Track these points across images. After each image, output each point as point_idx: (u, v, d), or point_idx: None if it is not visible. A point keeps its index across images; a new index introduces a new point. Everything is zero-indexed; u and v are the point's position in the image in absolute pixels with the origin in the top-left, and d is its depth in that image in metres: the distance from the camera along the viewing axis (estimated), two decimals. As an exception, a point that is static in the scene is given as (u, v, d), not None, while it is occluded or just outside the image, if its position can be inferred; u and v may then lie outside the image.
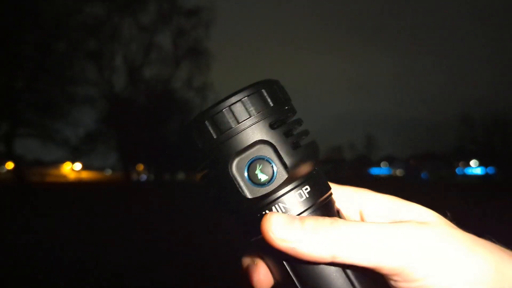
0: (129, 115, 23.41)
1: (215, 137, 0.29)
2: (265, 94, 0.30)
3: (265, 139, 0.29)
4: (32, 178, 33.88)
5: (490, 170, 44.98)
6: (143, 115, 24.32)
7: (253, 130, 0.29)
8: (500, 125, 41.53)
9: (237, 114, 0.29)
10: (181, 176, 55.11)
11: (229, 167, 0.29)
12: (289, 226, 0.28)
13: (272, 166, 0.29)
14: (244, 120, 0.29)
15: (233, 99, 0.29)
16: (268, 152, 0.29)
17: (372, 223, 0.29)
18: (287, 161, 0.29)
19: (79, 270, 4.66)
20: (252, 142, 0.29)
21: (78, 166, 52.68)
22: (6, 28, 15.02)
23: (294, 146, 0.30)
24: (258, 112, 0.29)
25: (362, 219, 0.37)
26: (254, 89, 0.30)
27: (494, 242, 0.33)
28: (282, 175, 0.30)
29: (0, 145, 17.85)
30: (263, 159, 0.29)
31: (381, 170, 77.06)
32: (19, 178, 19.44)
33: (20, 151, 21.95)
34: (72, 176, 54.77)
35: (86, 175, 56.84)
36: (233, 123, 0.29)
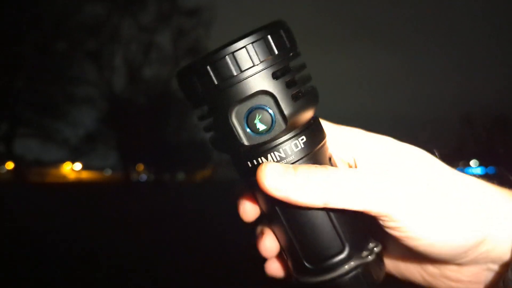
0: (129, 115, 23.41)
1: (216, 83, 0.29)
2: (270, 40, 0.29)
3: (266, 89, 0.29)
4: (32, 178, 33.86)
5: (490, 170, 44.99)
6: (143, 115, 24.31)
7: (255, 79, 0.29)
8: (500, 125, 41.52)
9: (240, 62, 0.28)
10: (181, 176, 55.06)
11: (229, 114, 0.29)
12: (283, 175, 0.29)
13: (271, 116, 0.30)
14: (247, 69, 0.28)
15: (238, 45, 0.28)
16: (268, 102, 0.30)
17: (361, 171, 0.32)
18: (286, 112, 0.30)
19: (79, 270, 4.66)
20: (253, 92, 0.29)
21: (78, 166, 52.61)
22: (6, 28, 15.01)
23: (295, 97, 0.30)
24: (262, 61, 0.29)
25: (355, 163, 0.38)
26: (260, 35, 0.29)
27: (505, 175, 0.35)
28: (280, 126, 0.30)
29: (0, 145, 17.84)
30: (263, 108, 0.30)
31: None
32: (19, 178, 19.44)
33: (20, 151, 21.93)
34: (72, 176, 54.70)
35: (86, 175, 56.78)
36: (235, 71, 0.28)
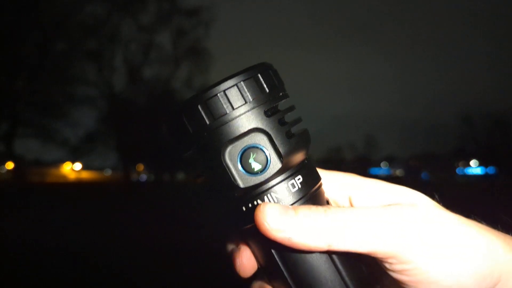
0: (129, 115, 23.41)
1: (208, 122, 0.28)
2: (261, 79, 0.29)
3: (260, 127, 0.28)
4: (32, 178, 33.89)
5: (490, 170, 44.98)
6: (143, 115, 24.31)
7: (247, 117, 0.28)
8: (500, 125, 41.53)
9: (232, 100, 0.27)
10: (181, 176, 55.10)
11: (221, 154, 0.28)
12: (284, 216, 0.28)
13: (266, 155, 0.29)
14: (239, 107, 0.28)
15: (228, 83, 0.28)
16: (262, 140, 0.28)
17: (364, 208, 0.29)
18: (282, 150, 0.29)
19: (79, 270, 4.66)
20: (246, 130, 0.28)
21: (78, 166, 52.66)
22: (6, 28, 15.01)
23: (289, 135, 0.30)
24: (253, 99, 0.28)
25: (352, 206, 0.37)
26: (250, 74, 0.29)
27: (481, 223, 0.34)
28: (276, 165, 0.29)
29: (0, 145, 17.85)
30: (257, 147, 0.28)
31: (381, 170, 77.05)
32: (19, 178, 19.44)
33: (20, 151, 21.92)
34: (72, 176, 54.74)
35: (86, 175, 56.83)
36: (227, 109, 0.27)
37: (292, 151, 0.29)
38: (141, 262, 5.00)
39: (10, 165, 22.27)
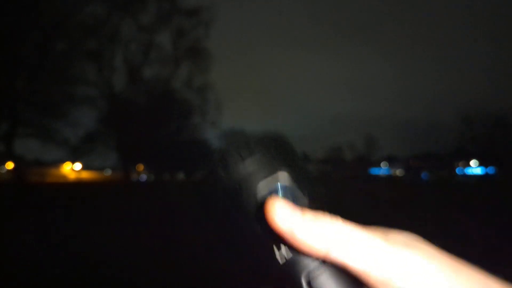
0: (129, 115, 23.40)
1: (242, 163, 0.33)
2: (290, 147, 0.34)
3: (287, 170, 0.33)
4: (32, 178, 33.88)
5: (490, 170, 44.99)
6: (143, 115, 24.31)
7: (279, 162, 0.33)
8: (500, 125, 41.54)
9: (266, 146, 0.33)
10: (181, 176, 55.13)
11: (253, 190, 0.32)
12: (292, 210, 0.30)
13: (293, 193, 0.33)
14: (272, 154, 0.33)
15: (264, 135, 0.34)
16: (290, 182, 0.33)
17: (370, 230, 0.30)
18: (306, 190, 0.33)
19: (79, 270, 4.66)
20: (276, 171, 0.32)
21: (78, 166, 52.66)
22: (6, 28, 15.02)
23: (312, 182, 0.34)
24: (285, 152, 0.34)
25: None
26: (284, 138, 0.34)
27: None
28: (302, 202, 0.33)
29: (0, 145, 17.85)
30: (285, 186, 0.33)
31: (381, 170, 77.06)
32: (19, 178, 19.44)
33: (20, 151, 21.92)
34: (72, 176, 54.75)
35: (86, 175, 56.83)
36: (261, 153, 0.33)
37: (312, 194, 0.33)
38: (141, 262, 5.00)
39: (10, 165, 22.26)
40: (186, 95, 28.36)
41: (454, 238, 6.98)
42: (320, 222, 0.29)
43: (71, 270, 4.65)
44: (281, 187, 0.32)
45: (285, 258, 0.30)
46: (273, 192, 0.32)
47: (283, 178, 0.33)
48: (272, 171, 0.33)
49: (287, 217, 0.29)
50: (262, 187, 0.32)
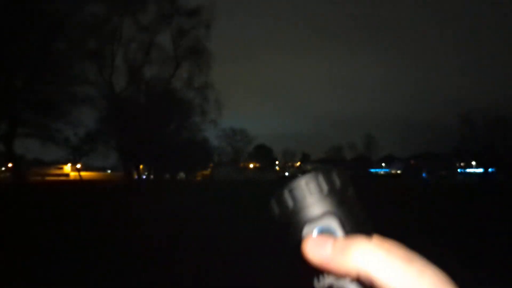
0: (129, 115, 23.38)
1: (291, 206, 0.35)
2: (335, 176, 0.36)
3: (332, 212, 0.35)
4: (32, 178, 33.89)
5: (490, 170, 44.97)
6: (143, 115, 24.30)
7: (323, 204, 0.35)
8: (500, 125, 41.52)
9: (311, 190, 0.35)
10: (181, 175, 55.13)
11: (299, 232, 0.35)
12: (323, 244, 0.32)
13: (336, 236, 0.34)
14: (316, 195, 0.35)
15: (310, 176, 0.35)
16: (334, 223, 0.35)
17: (392, 251, 0.31)
18: (350, 233, 0.35)
19: (79, 269, 4.66)
20: (321, 214, 0.35)
21: (78, 166, 52.66)
22: (6, 28, 15.01)
23: (357, 222, 0.36)
24: (329, 190, 0.35)
25: None
26: (327, 171, 0.36)
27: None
28: None
29: (0, 145, 17.84)
30: (329, 228, 0.35)
31: (381, 170, 77.06)
32: (19, 178, 19.44)
33: (20, 151, 21.87)
34: (72, 176, 54.74)
35: (86, 175, 56.84)
36: (307, 196, 0.35)
37: (357, 233, 0.35)
38: (141, 262, 5.00)
39: (10, 165, 22.26)
40: (186, 95, 28.38)
41: (454, 238, 6.98)
42: (350, 248, 0.31)
43: (71, 270, 4.65)
44: (323, 228, 0.35)
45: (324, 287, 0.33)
46: (316, 231, 0.35)
47: (327, 220, 0.35)
48: (320, 212, 0.35)
49: (319, 250, 0.32)
50: (307, 229, 0.35)
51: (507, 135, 41.33)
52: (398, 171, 72.11)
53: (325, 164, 74.96)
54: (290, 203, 0.35)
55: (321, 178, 0.35)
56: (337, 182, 0.36)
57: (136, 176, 30.18)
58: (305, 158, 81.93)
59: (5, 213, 10.96)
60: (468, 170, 54.79)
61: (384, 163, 77.82)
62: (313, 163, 78.87)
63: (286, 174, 72.82)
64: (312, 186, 0.35)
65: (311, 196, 0.35)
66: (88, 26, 20.53)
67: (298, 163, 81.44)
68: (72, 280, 4.26)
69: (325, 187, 0.35)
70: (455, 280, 0.32)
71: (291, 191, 0.35)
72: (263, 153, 72.64)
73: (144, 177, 41.17)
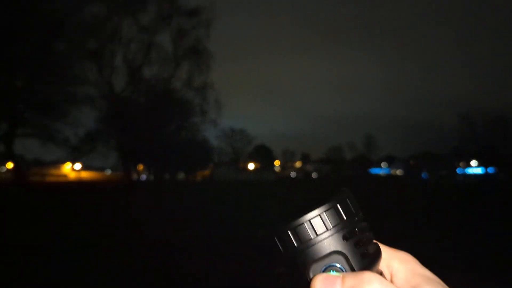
0: (129, 115, 23.39)
1: (296, 245, 0.34)
2: (340, 208, 0.35)
3: (338, 250, 0.34)
4: (32, 178, 33.87)
5: (490, 170, 44.99)
6: (143, 115, 24.31)
7: (329, 241, 0.34)
8: (500, 125, 41.56)
9: (316, 227, 0.34)
10: (181, 176, 55.12)
11: (306, 271, 0.34)
12: (331, 284, 0.33)
13: (343, 272, 0.34)
14: (322, 233, 0.34)
15: (313, 213, 0.34)
16: (340, 260, 0.34)
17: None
18: (357, 269, 0.34)
19: (79, 269, 4.66)
20: (327, 252, 0.34)
21: (78, 166, 52.67)
22: (6, 28, 15.01)
23: (363, 256, 0.35)
24: (334, 226, 0.34)
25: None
26: (331, 204, 0.35)
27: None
28: None
29: (0, 145, 17.85)
30: (336, 266, 0.34)
31: (381, 170, 77.10)
32: (19, 178, 19.45)
33: (20, 151, 21.87)
34: (72, 176, 54.74)
35: (86, 175, 56.83)
36: (312, 235, 0.34)
37: (365, 269, 0.35)
38: (140, 262, 5.00)
39: (10, 165, 22.26)
40: (186, 95, 28.38)
41: (454, 238, 6.98)
42: (359, 286, 0.31)
43: (70, 270, 4.65)
44: (331, 266, 0.34)
45: None
46: (323, 270, 0.34)
47: (334, 258, 0.35)
48: (326, 251, 0.34)
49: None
50: (314, 268, 0.35)
51: (507, 135, 41.37)
52: (398, 172, 72.11)
53: (325, 164, 75.01)
54: (295, 242, 0.34)
55: (325, 214, 0.35)
56: (343, 213, 0.35)
57: (136, 176, 30.19)
58: (305, 158, 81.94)
59: (5, 213, 10.96)
60: (468, 170, 54.79)
61: (384, 163, 77.85)
62: (313, 163, 78.91)
63: (292, 175, 72.64)
64: (317, 223, 0.34)
65: (316, 236, 0.34)
66: (88, 26, 20.55)
67: (298, 163, 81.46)
68: (72, 280, 4.26)
69: (330, 223, 0.34)
70: (456, 281, 0.34)
71: (295, 230, 0.34)
72: (263, 153, 72.64)
73: (144, 177, 41.19)
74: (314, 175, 68.93)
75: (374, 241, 0.39)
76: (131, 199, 16.74)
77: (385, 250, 0.41)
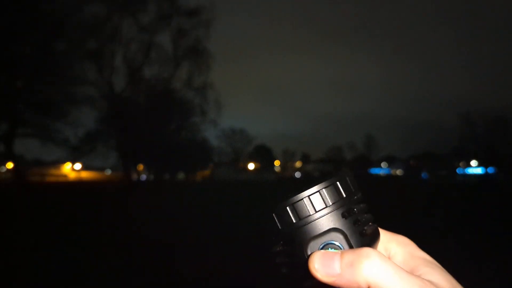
0: (129, 115, 23.39)
1: (294, 221, 0.34)
2: (339, 186, 0.35)
3: (337, 227, 0.34)
4: (32, 178, 33.86)
5: (490, 170, 44.98)
6: (143, 115, 24.30)
7: (327, 218, 0.34)
8: (500, 125, 41.55)
9: (315, 204, 0.34)
10: (181, 176, 55.11)
11: (304, 249, 0.34)
12: (328, 261, 0.33)
13: (341, 250, 0.34)
14: (321, 210, 0.34)
15: (312, 189, 0.34)
16: (339, 238, 0.34)
17: (403, 269, 0.33)
18: (355, 247, 0.34)
19: (79, 269, 4.66)
20: (326, 229, 0.34)
21: (78, 166, 52.67)
22: (6, 28, 15.01)
23: (361, 234, 0.35)
24: (333, 203, 0.34)
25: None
26: (330, 182, 0.35)
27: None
28: None
29: (0, 145, 17.84)
30: (334, 244, 0.34)
31: (381, 170, 77.07)
32: (19, 178, 19.43)
33: (20, 151, 21.88)
34: (72, 176, 54.73)
35: (86, 175, 56.82)
36: (310, 211, 0.34)
37: (363, 247, 0.35)
38: (140, 262, 5.00)
39: (10, 165, 22.26)
40: (186, 95, 28.37)
41: (454, 238, 6.98)
42: (358, 262, 0.32)
43: (70, 270, 4.65)
44: (329, 243, 0.34)
45: None
46: (321, 248, 0.34)
47: (333, 235, 0.35)
48: (325, 228, 0.34)
49: (326, 267, 0.32)
50: (312, 245, 0.35)
51: (507, 135, 41.35)
52: (398, 172, 72.11)
53: (325, 164, 74.99)
54: (293, 218, 0.34)
55: (324, 191, 0.34)
56: (342, 191, 0.35)
57: (136, 176, 30.19)
58: (305, 158, 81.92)
59: (5, 213, 10.96)
60: (468, 170, 54.77)
61: (384, 163, 77.83)
62: (313, 163, 78.87)
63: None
64: (316, 200, 0.34)
65: (315, 212, 0.34)
66: (88, 26, 20.54)
67: (298, 163, 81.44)
68: (72, 280, 4.26)
69: (329, 200, 0.34)
70: (458, 280, 0.33)
71: (293, 206, 0.34)
72: (263, 153, 72.61)
73: (144, 177, 41.17)
74: (317, 175, 68.51)
75: (372, 223, 0.38)
76: (131, 199, 16.74)
77: (384, 233, 0.41)
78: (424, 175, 56.47)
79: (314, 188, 0.34)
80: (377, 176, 65.02)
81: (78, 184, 34.04)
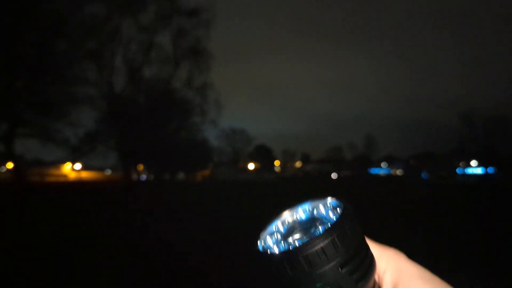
0: (129, 115, 23.38)
1: (291, 274, 0.35)
2: (336, 240, 0.36)
3: (333, 281, 0.36)
4: (32, 178, 33.87)
5: (490, 170, 44.96)
6: (143, 115, 24.30)
7: (324, 273, 0.35)
8: (500, 125, 41.55)
9: (312, 261, 0.35)
10: (181, 176, 55.15)
11: None
12: None
13: None
14: (317, 265, 0.35)
15: (309, 247, 0.35)
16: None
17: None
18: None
19: (79, 269, 4.66)
20: (322, 282, 0.35)
21: (78, 166, 52.66)
22: (6, 28, 15.01)
23: (356, 282, 0.36)
24: (329, 257, 0.35)
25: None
26: (328, 236, 0.36)
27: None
28: None
29: (0, 145, 17.83)
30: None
31: (381, 170, 77.08)
32: (19, 178, 19.43)
33: (20, 151, 21.85)
34: (72, 176, 54.73)
35: (86, 175, 56.83)
36: (307, 268, 0.35)
37: None
38: (140, 261, 5.00)
39: (10, 165, 22.25)
40: (186, 95, 28.36)
41: (454, 238, 6.98)
42: None
43: (70, 270, 4.65)
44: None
45: None
46: None
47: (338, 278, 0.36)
48: (333, 278, 0.36)
49: None
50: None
51: (507, 135, 41.34)
52: (398, 172, 72.10)
53: (325, 164, 74.98)
54: (305, 267, 0.35)
55: (323, 248, 0.35)
56: (339, 245, 0.36)
57: (136, 176, 30.16)
58: (305, 158, 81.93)
59: (5, 213, 10.96)
60: (468, 170, 54.76)
61: (384, 163, 77.84)
62: (313, 163, 78.87)
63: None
64: (329, 250, 0.35)
65: (326, 264, 0.35)
66: (88, 26, 20.53)
67: (298, 163, 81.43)
68: (73, 280, 4.26)
69: (327, 255, 0.35)
70: (455, 281, 0.34)
71: (306, 257, 0.35)
72: (263, 153, 72.64)
73: (144, 177, 41.17)
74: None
75: (369, 266, 0.39)
76: (131, 199, 16.74)
77: (374, 248, 0.41)
78: (424, 175, 56.45)
79: (312, 246, 0.35)
80: (377, 176, 65.06)
81: (78, 184, 34.04)
